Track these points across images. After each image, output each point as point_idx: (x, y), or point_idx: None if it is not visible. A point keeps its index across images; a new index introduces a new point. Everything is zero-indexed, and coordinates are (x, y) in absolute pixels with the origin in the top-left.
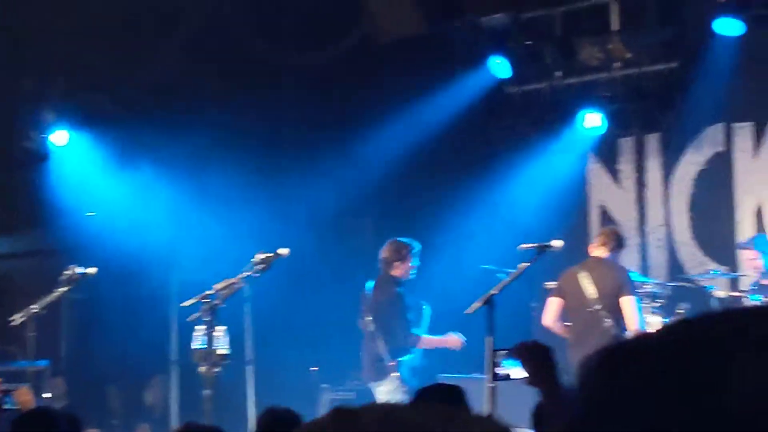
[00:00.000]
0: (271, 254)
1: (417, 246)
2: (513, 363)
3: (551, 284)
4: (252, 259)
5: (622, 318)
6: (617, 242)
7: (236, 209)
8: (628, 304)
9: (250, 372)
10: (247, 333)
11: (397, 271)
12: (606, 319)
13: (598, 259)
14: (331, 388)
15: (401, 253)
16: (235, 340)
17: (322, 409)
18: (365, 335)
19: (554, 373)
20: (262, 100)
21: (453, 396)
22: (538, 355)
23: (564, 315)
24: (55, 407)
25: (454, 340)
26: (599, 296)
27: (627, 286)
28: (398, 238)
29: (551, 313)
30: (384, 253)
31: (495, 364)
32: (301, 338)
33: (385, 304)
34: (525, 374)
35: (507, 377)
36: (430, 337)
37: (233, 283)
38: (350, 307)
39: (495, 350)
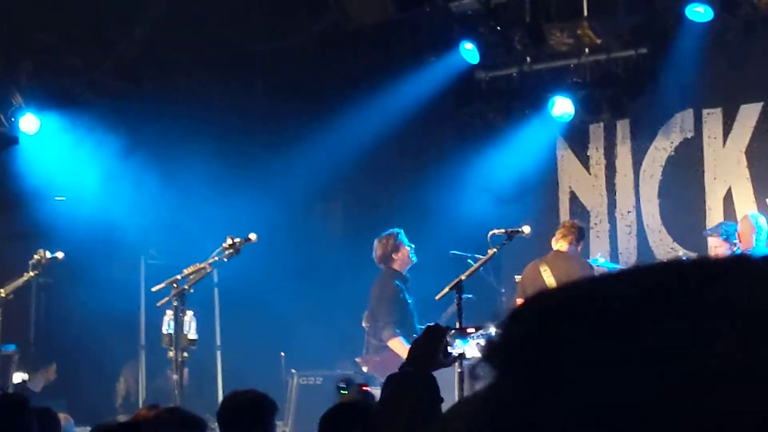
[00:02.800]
0: (240, 239)
1: (399, 231)
2: (464, 341)
3: (519, 278)
4: (222, 244)
5: None
6: (578, 235)
7: (205, 194)
8: None
9: (218, 357)
10: (215, 318)
11: (398, 262)
12: None
13: (559, 253)
14: (300, 373)
15: (391, 243)
16: (204, 325)
17: (291, 394)
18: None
19: None
20: (231, 85)
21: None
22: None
23: None
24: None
25: None
26: None
27: None
28: (381, 235)
29: None
30: (377, 252)
31: (446, 346)
32: (269, 323)
33: (378, 294)
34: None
35: (462, 356)
36: (402, 344)
37: (202, 268)
38: (318, 291)
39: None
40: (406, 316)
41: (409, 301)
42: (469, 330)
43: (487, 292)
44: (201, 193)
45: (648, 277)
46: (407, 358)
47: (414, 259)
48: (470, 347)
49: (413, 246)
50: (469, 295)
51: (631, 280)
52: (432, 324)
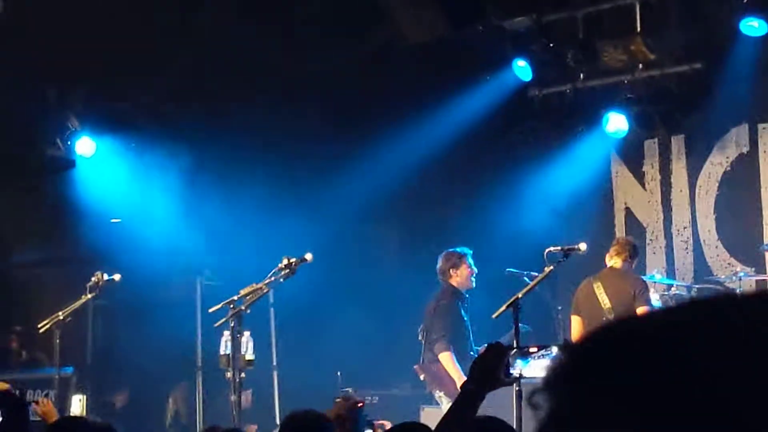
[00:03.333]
0: (296, 259)
1: (467, 251)
2: (525, 362)
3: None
4: (278, 265)
5: None
6: (632, 252)
7: (260, 215)
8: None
9: (275, 377)
10: (272, 338)
11: (454, 279)
12: None
13: (613, 270)
14: (356, 393)
15: (452, 261)
16: (260, 346)
17: None
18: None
19: None
20: (284, 107)
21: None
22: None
23: (586, 327)
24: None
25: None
26: (613, 306)
27: (641, 296)
28: (450, 248)
29: (575, 332)
30: (439, 264)
31: (507, 365)
32: (325, 343)
33: (433, 308)
34: (535, 373)
35: (521, 376)
36: (452, 360)
37: (258, 289)
38: (373, 312)
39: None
40: (461, 332)
41: (465, 318)
42: (531, 350)
43: (543, 309)
44: (256, 214)
45: (695, 312)
46: (469, 376)
47: (473, 283)
48: (530, 367)
49: (476, 271)
50: (527, 327)
51: (680, 316)
52: (494, 342)
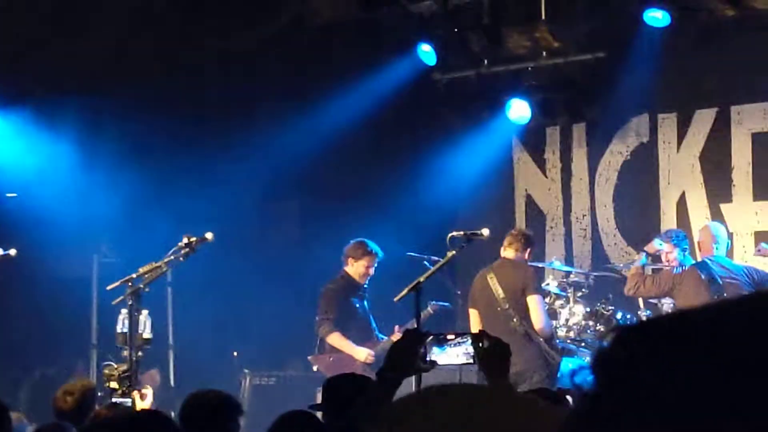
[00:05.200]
0: (197, 238)
1: (378, 254)
2: (441, 349)
3: None
4: (178, 243)
5: (530, 316)
6: (524, 243)
7: (160, 191)
8: (532, 302)
9: (170, 356)
10: (168, 317)
11: (350, 267)
12: (513, 318)
13: (505, 260)
14: (253, 373)
15: (357, 251)
16: (156, 324)
17: (244, 394)
18: None
19: (508, 368)
20: (186, 82)
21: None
22: (500, 350)
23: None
24: None
25: (362, 352)
26: (506, 296)
27: (531, 284)
28: (363, 240)
29: (474, 325)
30: (345, 248)
31: (424, 352)
32: (223, 323)
33: (322, 292)
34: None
35: (434, 364)
36: (341, 339)
37: (158, 267)
38: (272, 291)
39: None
40: (352, 319)
41: (357, 306)
42: (448, 337)
43: (443, 294)
44: (155, 190)
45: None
46: (385, 363)
47: (364, 280)
48: (447, 355)
49: (372, 274)
50: (446, 304)
51: (724, 311)
52: (411, 328)
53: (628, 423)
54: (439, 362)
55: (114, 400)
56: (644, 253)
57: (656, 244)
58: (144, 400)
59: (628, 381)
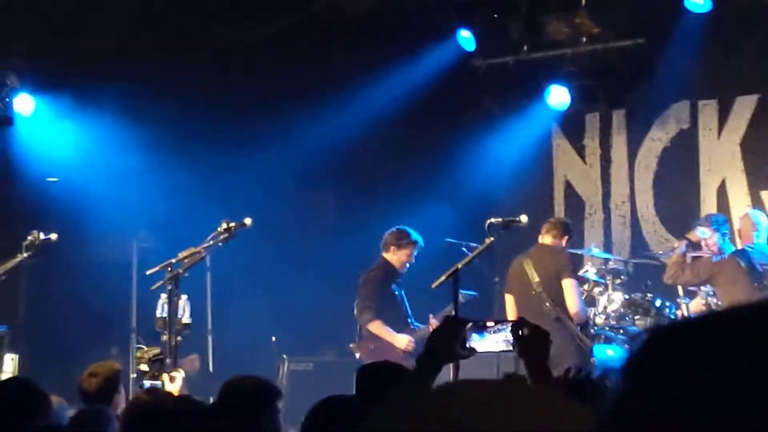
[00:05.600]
0: (236, 223)
1: (419, 242)
2: (481, 336)
3: None
4: (217, 228)
5: (564, 301)
6: (562, 230)
7: (198, 178)
8: (567, 286)
9: (209, 341)
10: (207, 302)
11: (391, 255)
12: (546, 302)
13: (542, 246)
14: (290, 359)
15: (399, 239)
16: (195, 310)
17: (281, 379)
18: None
19: (548, 354)
20: (227, 71)
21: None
22: (540, 337)
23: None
24: None
25: (403, 340)
26: (540, 280)
27: (566, 269)
28: (405, 228)
29: (509, 310)
30: (385, 236)
31: (464, 338)
32: (261, 308)
33: (362, 280)
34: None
35: (473, 351)
36: (383, 327)
37: (197, 252)
38: (310, 278)
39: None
40: (392, 306)
41: (396, 293)
42: (487, 324)
43: (480, 281)
44: (193, 177)
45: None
46: (425, 349)
47: (404, 268)
48: (486, 342)
49: (413, 261)
50: (473, 292)
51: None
52: (450, 315)
53: (653, 426)
54: (478, 349)
55: (144, 382)
56: (685, 241)
57: (698, 233)
58: (173, 383)
59: (655, 384)
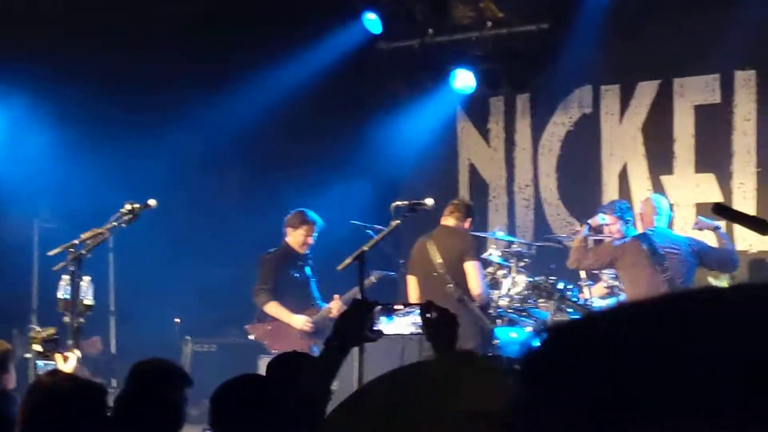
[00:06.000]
0: (140, 204)
1: (317, 222)
2: (389, 318)
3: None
4: (120, 210)
5: (466, 283)
6: (465, 212)
7: (99, 158)
8: (470, 268)
9: (111, 323)
10: (110, 284)
11: (289, 237)
12: (449, 284)
13: (445, 227)
14: (194, 340)
15: (296, 220)
16: (99, 291)
17: (185, 361)
18: None
19: (456, 337)
20: (129, 47)
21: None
22: (448, 320)
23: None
24: None
25: (300, 320)
26: (443, 261)
27: (469, 251)
28: (303, 209)
29: (412, 292)
30: (286, 218)
31: (372, 321)
32: (164, 290)
33: (259, 262)
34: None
35: (381, 334)
36: (278, 307)
37: (100, 233)
38: (213, 259)
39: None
40: (291, 288)
41: (296, 276)
42: (396, 307)
43: (385, 263)
44: (94, 156)
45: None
46: (333, 332)
47: (303, 250)
48: (394, 324)
49: (312, 242)
50: (391, 273)
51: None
52: (359, 298)
53: (546, 423)
54: (387, 332)
55: (37, 362)
56: (587, 226)
57: (599, 219)
58: (67, 363)
59: (549, 383)
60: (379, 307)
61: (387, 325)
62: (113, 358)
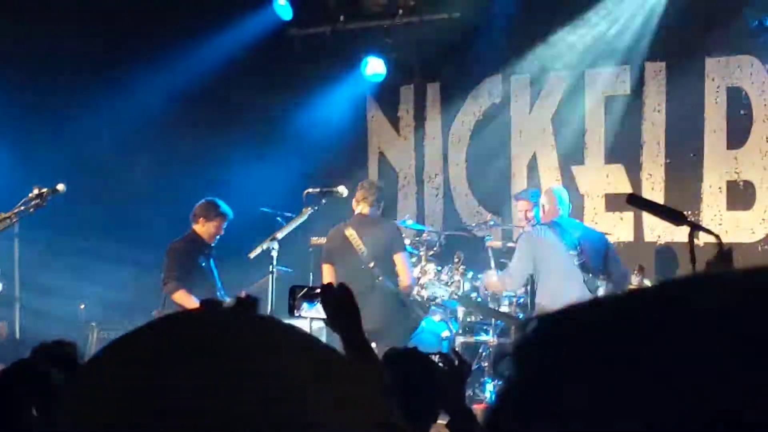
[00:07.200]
0: (48, 189)
1: (228, 214)
2: (311, 305)
3: (316, 240)
4: (28, 194)
5: (395, 274)
6: (378, 195)
7: (7, 141)
8: (400, 260)
9: (17, 308)
10: (15, 269)
11: (199, 227)
12: (378, 276)
13: (363, 216)
14: (100, 327)
15: (208, 211)
16: (4, 276)
17: (91, 347)
18: None
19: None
20: (38, 29)
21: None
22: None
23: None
24: None
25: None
26: (369, 250)
27: (399, 242)
28: (215, 199)
29: (326, 280)
30: (195, 207)
31: (294, 307)
32: (71, 276)
33: (167, 249)
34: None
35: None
36: (186, 296)
37: (6, 218)
38: (121, 244)
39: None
40: (198, 277)
41: (203, 265)
42: (317, 291)
43: (297, 251)
44: (4, 141)
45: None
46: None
47: (213, 240)
48: (315, 310)
49: (222, 234)
50: (288, 269)
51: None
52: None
53: (538, 413)
54: (309, 317)
55: None
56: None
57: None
58: None
59: (539, 372)
60: (302, 293)
61: (309, 311)
62: (19, 343)
